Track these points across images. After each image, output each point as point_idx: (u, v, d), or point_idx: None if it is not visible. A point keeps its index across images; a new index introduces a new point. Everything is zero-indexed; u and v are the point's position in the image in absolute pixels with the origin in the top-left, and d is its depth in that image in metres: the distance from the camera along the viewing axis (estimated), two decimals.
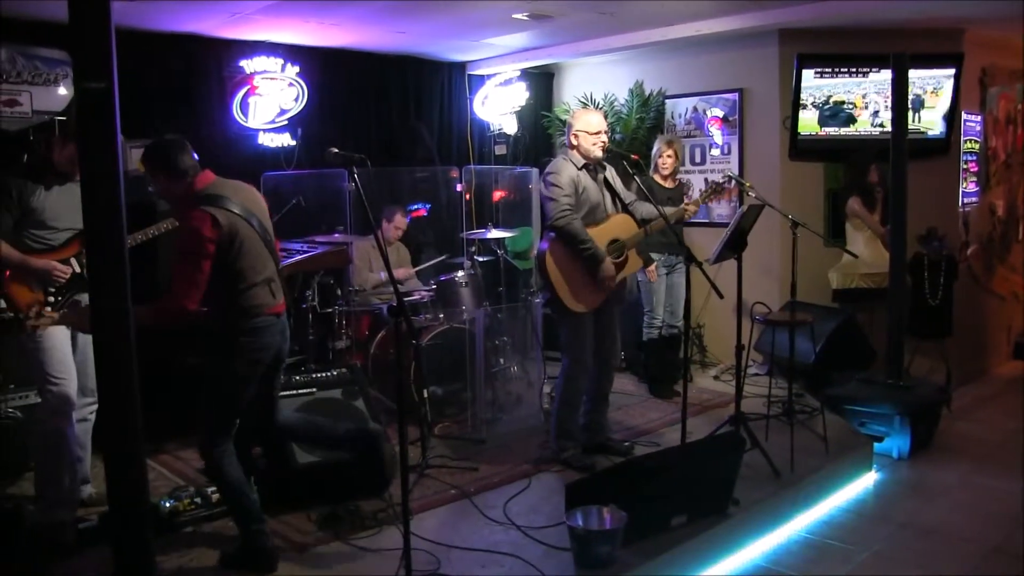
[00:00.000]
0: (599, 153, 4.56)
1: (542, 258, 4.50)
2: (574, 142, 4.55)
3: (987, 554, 3.98)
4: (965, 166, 7.15)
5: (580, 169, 4.54)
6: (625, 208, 4.69)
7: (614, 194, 4.70)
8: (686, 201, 4.77)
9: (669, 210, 4.76)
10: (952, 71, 6.57)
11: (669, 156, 6.01)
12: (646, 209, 4.73)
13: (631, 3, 5.76)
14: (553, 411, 4.76)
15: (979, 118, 7.34)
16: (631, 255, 4.67)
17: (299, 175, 6.40)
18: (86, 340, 3.95)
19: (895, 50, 5.49)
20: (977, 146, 7.32)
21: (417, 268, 6.51)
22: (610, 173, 4.74)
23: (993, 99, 7.54)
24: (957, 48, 6.65)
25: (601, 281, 4.47)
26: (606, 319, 4.72)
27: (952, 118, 6.71)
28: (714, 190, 4.93)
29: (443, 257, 6.58)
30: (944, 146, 6.76)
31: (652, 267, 5.92)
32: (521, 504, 4.21)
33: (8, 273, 3.84)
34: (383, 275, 6.06)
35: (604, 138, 4.56)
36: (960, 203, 7.10)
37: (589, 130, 4.53)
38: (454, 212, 6.84)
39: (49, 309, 3.82)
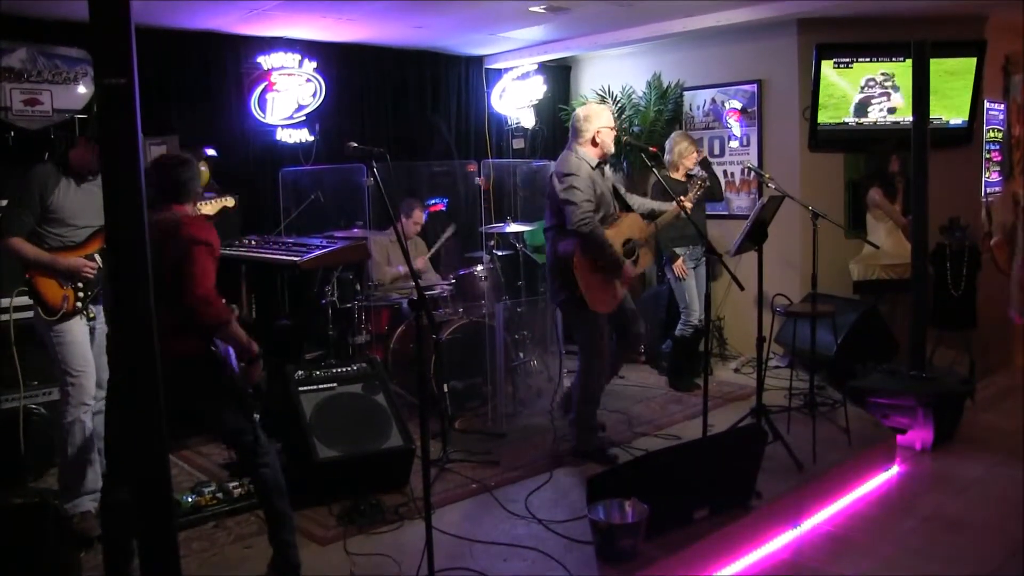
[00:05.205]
0: (613, 147, 4.59)
1: (568, 259, 4.40)
2: (598, 140, 4.48)
3: (1016, 548, 3.93)
4: (988, 155, 7.07)
5: (594, 168, 4.50)
6: (625, 204, 4.72)
7: (615, 189, 4.72)
8: (682, 198, 4.73)
9: (665, 205, 4.88)
10: (974, 59, 6.48)
11: (696, 151, 6.00)
12: (637, 202, 4.79)
13: None
14: (573, 407, 4.76)
15: (1002, 106, 7.26)
16: (643, 252, 4.72)
17: (317, 170, 6.42)
18: (103, 334, 4.00)
19: (916, 38, 5.42)
20: (1000, 135, 7.24)
21: (431, 249, 6.51)
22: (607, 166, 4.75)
23: (1017, 87, 7.45)
24: (980, 35, 6.57)
25: (623, 283, 4.54)
26: (626, 307, 4.79)
27: (975, 106, 6.62)
28: (700, 185, 4.97)
29: (451, 229, 6.55)
30: (966, 135, 6.68)
31: (679, 262, 5.87)
32: (542, 498, 4.21)
33: (31, 273, 3.89)
34: (401, 268, 6.07)
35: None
36: (983, 192, 7.03)
37: (611, 125, 4.53)
38: (472, 206, 6.84)
39: (80, 304, 3.88)
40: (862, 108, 6.58)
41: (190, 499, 3.97)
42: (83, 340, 3.92)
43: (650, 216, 4.73)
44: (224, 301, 3.19)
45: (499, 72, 8.01)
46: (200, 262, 3.10)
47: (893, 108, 6.58)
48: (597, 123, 4.47)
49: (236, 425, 3.27)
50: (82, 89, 5.45)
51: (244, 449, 3.32)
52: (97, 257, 3.97)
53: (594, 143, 4.49)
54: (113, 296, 2.48)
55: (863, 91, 6.54)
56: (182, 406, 2.99)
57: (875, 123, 6.60)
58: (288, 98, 6.54)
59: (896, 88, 6.54)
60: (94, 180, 4.00)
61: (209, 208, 4.47)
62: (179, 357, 2.99)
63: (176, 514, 3.72)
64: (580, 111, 4.59)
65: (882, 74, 6.53)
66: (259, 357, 3.28)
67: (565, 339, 5.75)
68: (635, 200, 4.79)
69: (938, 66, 5.92)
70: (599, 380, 4.72)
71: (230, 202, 4.70)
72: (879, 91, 6.55)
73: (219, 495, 4.05)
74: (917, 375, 5.41)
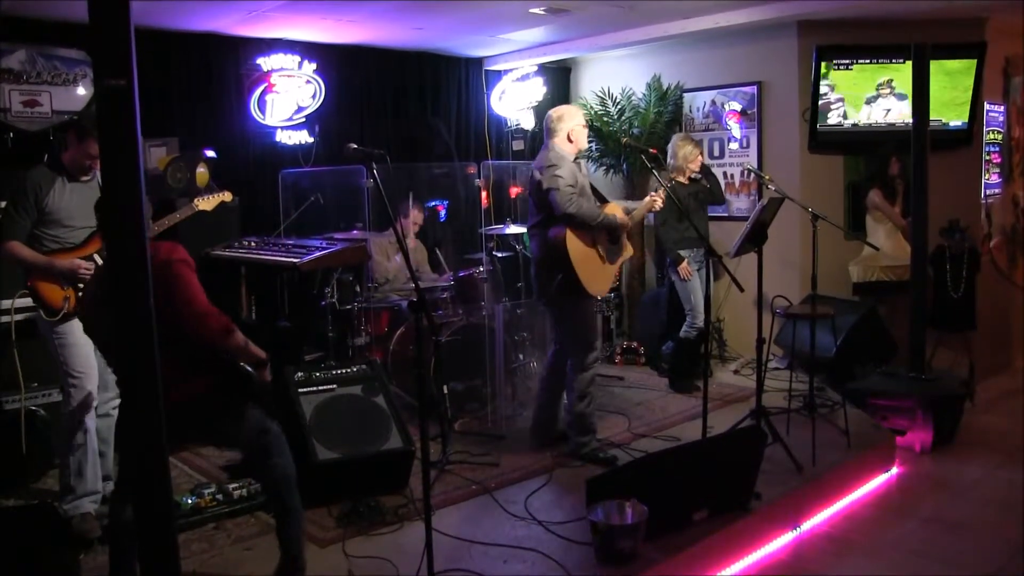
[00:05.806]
0: (586, 143, 4.80)
1: (560, 243, 4.46)
2: (572, 137, 4.63)
3: (1015, 550, 3.93)
4: (988, 157, 7.07)
5: (572, 162, 4.63)
6: (602, 197, 4.85)
7: (591, 186, 4.85)
8: (652, 194, 4.84)
9: (633, 204, 5.00)
10: (974, 61, 6.48)
11: (699, 155, 6.00)
12: (613, 202, 4.95)
13: None
14: (569, 407, 4.76)
15: (1002, 108, 7.25)
16: (625, 242, 4.84)
17: (317, 172, 6.42)
18: None
19: (916, 40, 5.43)
20: (1000, 137, 7.24)
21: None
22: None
23: (1016, 89, 7.45)
24: (980, 37, 6.57)
25: (624, 230, 4.71)
26: None
27: (975, 108, 6.62)
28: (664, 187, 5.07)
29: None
30: (966, 137, 6.69)
31: (684, 264, 5.87)
32: (542, 499, 4.21)
33: (31, 278, 3.90)
34: (399, 259, 6.06)
35: None
36: (982, 194, 7.03)
37: (582, 123, 4.68)
38: (472, 208, 6.84)
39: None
40: (823, 116, 6.61)
41: (190, 500, 3.97)
42: (85, 342, 3.92)
43: (625, 212, 4.87)
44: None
45: (499, 74, 8.01)
46: (187, 279, 3.04)
47: (847, 116, 6.61)
48: (570, 122, 4.62)
49: (259, 426, 3.25)
50: (81, 90, 5.45)
51: (262, 447, 3.28)
52: (96, 258, 3.97)
53: (569, 140, 4.63)
54: (113, 297, 2.48)
55: (823, 97, 6.56)
56: (211, 437, 2.93)
57: (873, 124, 6.61)
58: (288, 100, 6.54)
59: (844, 99, 6.59)
60: (90, 180, 4.01)
61: (207, 204, 4.44)
62: (191, 399, 2.96)
63: (176, 515, 3.72)
64: (552, 112, 4.74)
65: (879, 82, 6.56)
66: (267, 362, 3.25)
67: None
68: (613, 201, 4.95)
69: (938, 68, 5.93)
70: (593, 376, 4.73)
71: (228, 196, 4.66)
72: (834, 97, 6.57)
73: (219, 497, 4.04)
74: (916, 377, 5.41)
